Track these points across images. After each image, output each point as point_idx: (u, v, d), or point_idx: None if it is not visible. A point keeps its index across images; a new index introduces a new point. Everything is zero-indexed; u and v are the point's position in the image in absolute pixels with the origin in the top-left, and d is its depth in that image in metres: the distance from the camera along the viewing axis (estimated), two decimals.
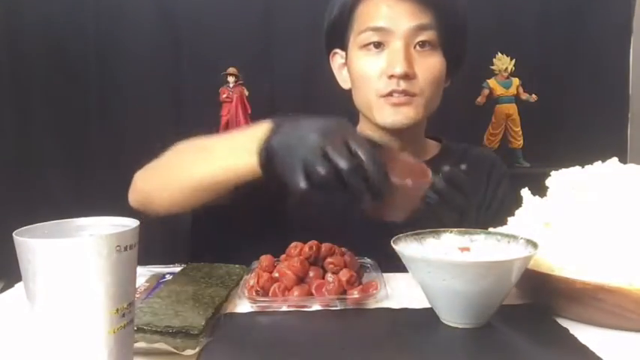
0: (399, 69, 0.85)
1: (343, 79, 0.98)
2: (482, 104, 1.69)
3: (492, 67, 1.69)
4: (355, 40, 0.91)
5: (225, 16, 1.70)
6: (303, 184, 0.56)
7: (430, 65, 0.89)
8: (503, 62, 1.68)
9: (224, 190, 0.71)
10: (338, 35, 0.95)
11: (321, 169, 0.55)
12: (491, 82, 1.69)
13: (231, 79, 1.62)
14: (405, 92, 0.87)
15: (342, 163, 0.55)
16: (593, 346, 0.51)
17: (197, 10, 1.70)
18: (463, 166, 0.74)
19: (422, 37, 0.87)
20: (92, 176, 1.71)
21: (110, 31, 1.69)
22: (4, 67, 1.67)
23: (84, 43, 1.69)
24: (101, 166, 1.71)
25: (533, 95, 1.69)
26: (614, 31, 1.81)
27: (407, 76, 0.86)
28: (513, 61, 1.67)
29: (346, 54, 0.95)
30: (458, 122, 1.61)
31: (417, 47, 0.88)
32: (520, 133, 1.69)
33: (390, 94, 0.88)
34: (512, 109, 1.68)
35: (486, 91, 1.69)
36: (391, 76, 0.87)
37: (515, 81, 1.68)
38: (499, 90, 1.68)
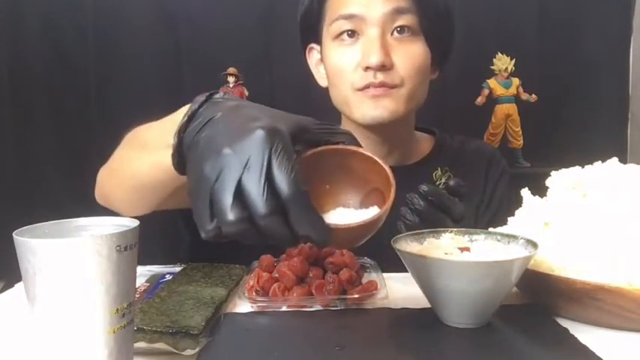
0: (375, 59, 0.78)
1: (321, 76, 0.92)
2: (482, 104, 1.69)
3: (492, 67, 1.69)
4: (328, 30, 0.85)
5: (226, 16, 1.70)
6: (204, 230, 0.42)
7: (411, 53, 0.82)
8: (503, 62, 1.68)
9: (168, 192, 0.61)
10: (311, 27, 0.89)
11: (230, 213, 0.40)
12: (492, 82, 1.69)
13: (231, 79, 1.62)
14: (383, 85, 0.80)
15: (259, 207, 0.39)
16: (593, 346, 0.51)
17: (197, 9, 1.70)
18: (452, 182, 0.66)
19: (400, 22, 0.80)
20: (92, 176, 1.71)
21: (110, 31, 1.69)
22: (4, 67, 1.67)
23: (84, 43, 1.69)
24: (101, 166, 1.71)
25: (533, 95, 1.69)
26: (614, 31, 1.81)
27: (384, 67, 0.79)
28: (513, 61, 1.67)
29: (321, 48, 0.89)
30: (457, 122, 1.62)
31: (395, 34, 0.81)
32: (520, 133, 1.69)
33: (366, 88, 0.81)
34: (512, 109, 1.68)
35: (486, 91, 1.69)
36: (367, 68, 0.80)
37: (515, 81, 1.68)
38: (499, 90, 1.68)
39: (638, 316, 0.54)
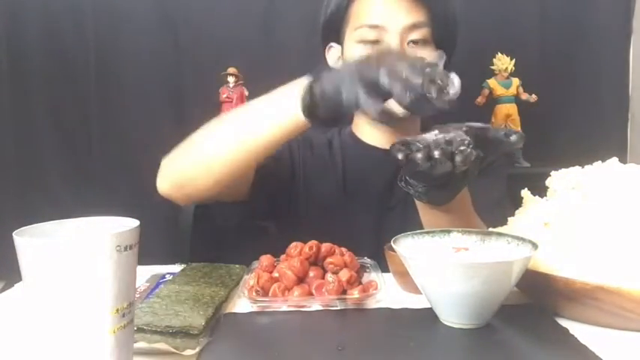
0: None
1: None
2: (482, 104, 1.69)
3: (492, 67, 1.69)
4: (351, 35, 0.94)
5: (226, 16, 1.70)
6: (365, 102, 0.59)
7: None
8: (503, 62, 1.68)
9: (272, 150, 0.74)
10: (334, 29, 0.98)
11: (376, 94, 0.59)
12: (491, 82, 1.69)
13: (231, 79, 1.62)
14: None
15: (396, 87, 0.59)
16: (593, 346, 0.51)
17: (197, 10, 1.70)
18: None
19: (415, 35, 0.90)
20: (92, 176, 1.71)
21: (110, 32, 1.69)
22: (4, 67, 1.67)
23: (84, 43, 1.69)
24: (101, 165, 1.72)
25: (533, 95, 1.69)
26: (614, 31, 1.81)
27: None
28: (513, 61, 1.67)
29: (342, 48, 0.98)
30: (457, 122, 1.61)
31: (411, 43, 0.90)
32: None
33: None
34: (512, 109, 1.68)
35: (486, 91, 1.69)
36: None
37: (515, 81, 1.68)
38: (499, 90, 1.68)
39: (637, 316, 0.54)
